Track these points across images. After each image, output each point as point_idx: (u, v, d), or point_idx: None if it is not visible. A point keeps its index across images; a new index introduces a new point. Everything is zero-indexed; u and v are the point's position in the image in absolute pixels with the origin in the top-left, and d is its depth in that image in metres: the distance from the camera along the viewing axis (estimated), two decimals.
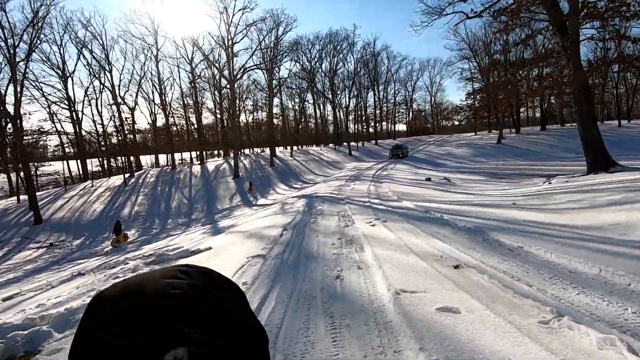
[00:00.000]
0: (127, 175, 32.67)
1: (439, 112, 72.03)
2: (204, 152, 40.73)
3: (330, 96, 47.85)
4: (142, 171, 35.75)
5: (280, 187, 28.46)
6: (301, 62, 47.67)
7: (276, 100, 39.46)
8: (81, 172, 35.50)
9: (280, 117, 48.97)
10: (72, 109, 34.36)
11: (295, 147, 46.47)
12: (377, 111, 58.52)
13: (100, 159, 39.17)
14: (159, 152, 48.95)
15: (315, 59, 47.49)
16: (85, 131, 36.73)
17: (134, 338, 0.31)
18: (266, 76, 36.46)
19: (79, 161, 36.53)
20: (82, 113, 36.28)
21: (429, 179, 17.78)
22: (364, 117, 52.15)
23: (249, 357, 0.36)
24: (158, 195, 26.75)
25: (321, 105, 60.01)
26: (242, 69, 29.58)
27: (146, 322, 0.32)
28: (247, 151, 51.88)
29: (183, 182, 29.58)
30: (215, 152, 55.48)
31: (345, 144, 46.31)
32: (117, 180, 31.14)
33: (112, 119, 34.81)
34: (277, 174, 32.26)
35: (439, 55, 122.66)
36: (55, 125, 35.63)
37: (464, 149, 39.76)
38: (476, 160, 32.92)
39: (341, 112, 52.69)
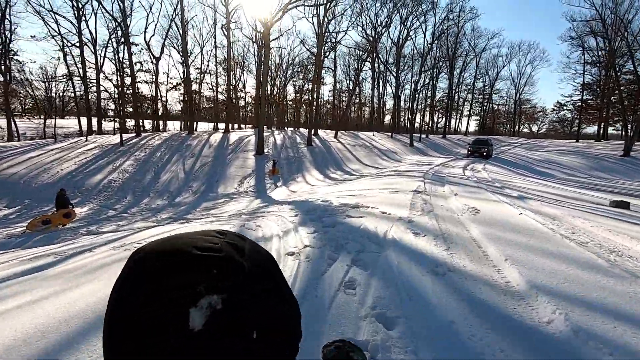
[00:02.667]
0: (132, 134, 27.02)
1: (523, 111, 59.57)
2: (236, 124, 34.57)
3: (395, 71, 38.84)
4: (148, 133, 30.04)
5: (313, 174, 20.84)
6: (363, 25, 39.05)
7: (329, 80, 31.42)
8: (87, 128, 30.57)
9: (332, 94, 41.24)
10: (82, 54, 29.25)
11: (342, 131, 38.41)
12: (446, 99, 48.29)
13: (115, 114, 34.28)
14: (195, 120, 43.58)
15: (382, 24, 38.55)
16: (94, 81, 31.67)
17: (172, 284, 0.32)
18: (315, 27, 28.55)
19: (81, 118, 31.72)
20: (102, 57, 31.18)
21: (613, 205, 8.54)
22: (432, 104, 42.29)
23: (280, 318, 0.37)
24: (152, 162, 20.37)
25: (380, 86, 51.14)
26: (281, 10, 21.89)
27: (183, 273, 0.33)
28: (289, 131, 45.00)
29: (191, 151, 23.04)
30: (250, 126, 49.20)
31: (404, 133, 37.50)
32: (117, 138, 25.47)
33: (120, 69, 29.02)
34: (313, 157, 24.63)
35: (536, 40, 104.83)
36: (69, 71, 30.85)
37: (571, 158, 29.34)
38: (594, 174, 22.79)
39: (402, 95, 43.68)
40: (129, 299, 0.33)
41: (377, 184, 10.21)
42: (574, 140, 41.13)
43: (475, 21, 48.33)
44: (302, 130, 36.21)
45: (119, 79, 30.18)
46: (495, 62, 51.86)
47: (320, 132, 35.72)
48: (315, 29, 29.15)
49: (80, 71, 30.41)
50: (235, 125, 46.11)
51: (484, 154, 24.61)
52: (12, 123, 28.49)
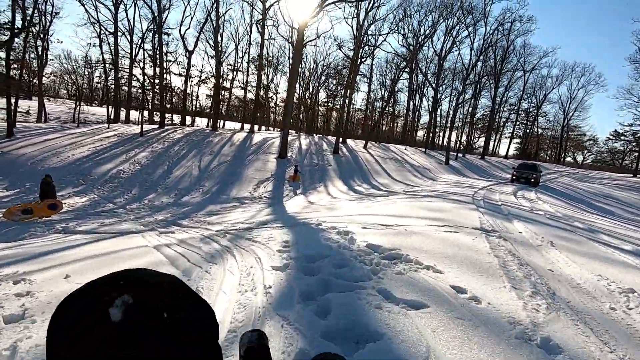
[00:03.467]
0: (156, 126, 26.33)
1: (570, 138, 55.12)
2: (264, 126, 33.44)
3: (434, 83, 36.52)
4: (171, 125, 29.31)
5: (337, 184, 19.00)
6: (404, 33, 37.12)
7: (363, 88, 29.75)
8: (113, 116, 30.33)
9: (365, 103, 39.45)
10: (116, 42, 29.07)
11: (372, 142, 36.34)
12: (488, 118, 45.09)
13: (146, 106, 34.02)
14: (219, 118, 43.02)
15: (425, 33, 36.46)
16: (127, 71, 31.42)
17: (89, 297, 0.43)
18: (354, 30, 26.94)
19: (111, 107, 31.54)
20: (137, 48, 31.02)
21: None
22: (471, 121, 39.42)
23: (186, 307, 0.46)
24: (167, 156, 19.25)
25: (417, 98, 48.80)
26: (318, 6, 20.43)
27: (98, 289, 0.43)
28: (316, 137, 43.52)
29: (211, 148, 21.83)
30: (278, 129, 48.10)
31: (439, 150, 34.96)
32: (139, 128, 24.75)
33: (153, 60, 28.51)
34: (339, 166, 22.80)
35: (591, 63, 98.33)
36: (103, 58, 30.88)
37: (630, 194, 25.78)
38: None
39: (439, 110, 41.14)
40: (64, 315, 0.42)
41: (417, 209, 8.17)
42: (631, 175, 36.95)
43: (527, 36, 44.97)
44: (330, 138, 34.53)
45: (145, 68, 29.80)
46: (544, 82, 48.17)
47: (349, 141, 33.89)
48: (353, 32, 27.60)
49: (113, 60, 30.34)
50: (263, 128, 45.30)
51: (532, 180, 21.81)
52: (43, 105, 28.63)
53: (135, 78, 31.85)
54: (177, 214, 10.96)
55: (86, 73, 38.76)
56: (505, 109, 49.20)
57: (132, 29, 30.75)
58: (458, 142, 53.58)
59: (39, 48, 28.07)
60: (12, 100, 19.88)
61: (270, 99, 51.44)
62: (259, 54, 28.93)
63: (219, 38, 26.52)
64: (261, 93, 36.24)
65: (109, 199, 13.22)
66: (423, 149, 37.05)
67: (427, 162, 29.60)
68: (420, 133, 61.15)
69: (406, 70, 40.53)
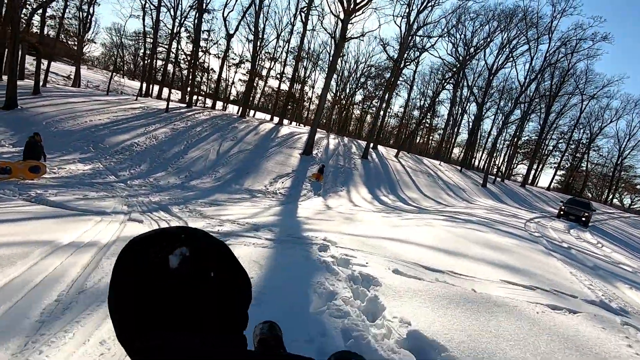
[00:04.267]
0: (183, 104, 25.66)
1: (621, 178, 50.36)
2: (294, 121, 32.22)
3: (480, 99, 34.00)
4: (201, 106, 28.57)
5: (360, 191, 17.36)
6: (455, 41, 34.82)
7: (402, 95, 27.92)
8: (145, 89, 30.04)
9: (402, 111, 37.46)
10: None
11: (404, 152, 34.24)
12: (535, 144, 41.71)
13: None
14: (249, 106, 42.26)
15: (477, 45, 33.97)
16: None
17: (157, 243, 0.51)
18: (402, 30, 25.15)
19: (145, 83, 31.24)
20: (179, 25, 30.64)
21: None
22: (515, 144, 36.39)
23: (231, 271, 0.54)
24: (187, 135, 18.30)
25: (458, 113, 46.11)
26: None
27: (164, 238, 0.51)
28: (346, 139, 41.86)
29: (234, 135, 20.74)
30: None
31: (475, 170, 32.41)
32: (170, 105, 24.11)
33: (194, 39, 27.82)
34: (366, 172, 21.12)
35: None
36: (145, 32, 30.71)
37: None
38: None
39: (480, 127, 38.45)
40: (131, 256, 0.50)
41: (466, 241, 6.42)
42: None
43: (593, 60, 41.21)
44: (360, 142, 32.82)
45: (182, 45, 29.28)
46: (601, 114, 44.11)
47: (381, 147, 32.04)
48: (401, 32, 25.78)
49: (153, 34, 30.09)
50: (294, 123, 44.23)
51: (583, 219, 19.15)
52: (79, 71, 28.75)
53: (174, 55, 31.51)
54: (176, 197, 9.72)
55: (130, 45, 38.97)
56: (553, 137, 45.56)
57: (176, 5, 30.39)
58: (496, 166, 50.35)
59: (83, 13, 28.24)
60: (44, 61, 19.52)
61: (305, 94, 50.41)
62: (298, 45, 27.72)
63: (259, 21, 25.45)
64: (295, 86, 35.11)
65: (114, 170, 12.25)
66: (458, 167, 34.57)
67: (462, 181, 27.28)
68: (456, 151, 58.18)
69: (451, 81, 38.16)
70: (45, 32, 25.53)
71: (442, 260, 4.98)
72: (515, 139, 33.45)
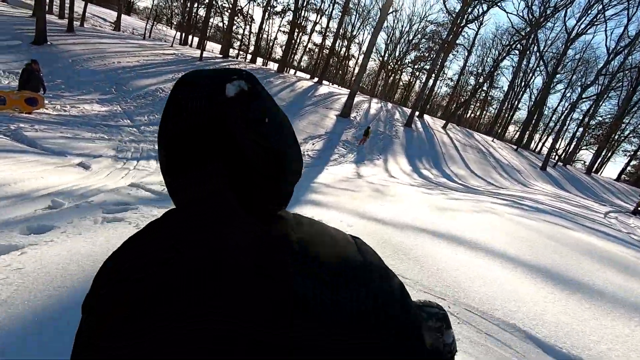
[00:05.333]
0: (220, 55, 24.38)
1: None
2: (336, 84, 29.93)
3: (550, 68, 29.50)
4: (237, 59, 27.11)
5: (399, 161, 15.52)
6: (528, 1, 29.89)
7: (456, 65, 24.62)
8: (183, 38, 28.96)
9: (456, 79, 33.69)
10: None
11: (453, 124, 31.02)
12: (599, 124, 36.26)
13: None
14: (287, 63, 40.19)
15: (556, 4, 28.85)
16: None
17: (214, 73, 0.46)
18: None
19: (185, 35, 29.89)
20: None
21: None
22: (586, 125, 31.72)
23: (284, 132, 0.48)
24: None
25: (520, 85, 41.07)
26: None
27: (225, 70, 0.47)
28: (389, 105, 38.84)
29: (268, 89, 18.96)
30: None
31: (533, 151, 28.75)
32: (206, 55, 22.91)
33: None
34: (408, 142, 19.02)
35: None
36: None
37: None
38: None
39: (545, 105, 33.82)
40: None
41: (564, 247, 4.28)
42: None
43: None
44: (405, 109, 30.11)
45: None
46: None
47: (427, 117, 29.22)
48: None
49: None
50: (335, 85, 41.84)
51: None
52: (120, 15, 28.20)
53: (213, 2, 29.91)
54: None
55: None
56: (631, 121, 39.43)
57: None
58: (555, 149, 45.26)
59: None
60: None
61: (351, 56, 47.24)
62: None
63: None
64: (340, 43, 32.49)
65: (130, 115, 11.34)
66: (514, 146, 30.97)
67: (517, 161, 24.20)
68: (511, 129, 52.86)
69: (517, 48, 33.41)
70: None
71: (568, 314, 2.78)
72: (587, 119, 28.99)
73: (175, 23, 50.71)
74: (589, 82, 27.74)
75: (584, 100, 29.27)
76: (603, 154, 40.83)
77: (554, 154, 33.46)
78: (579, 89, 37.14)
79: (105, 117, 10.12)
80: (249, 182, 0.44)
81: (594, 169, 36.91)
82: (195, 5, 29.75)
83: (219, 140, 0.42)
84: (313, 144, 14.29)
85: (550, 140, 45.04)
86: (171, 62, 18.57)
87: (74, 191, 3.33)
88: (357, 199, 4.97)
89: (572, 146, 33.00)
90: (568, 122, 28.45)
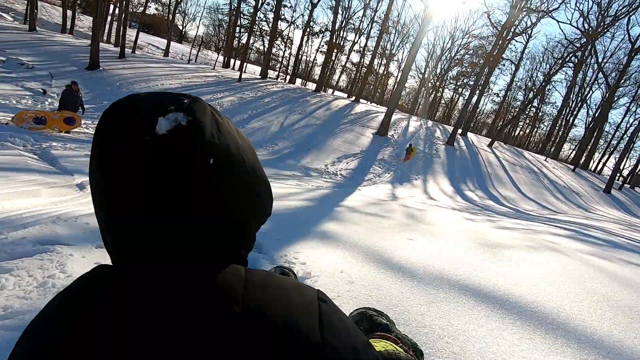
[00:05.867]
0: (259, 76, 24.98)
1: None
2: (374, 103, 29.47)
3: (611, 80, 26.93)
4: (275, 79, 27.58)
5: (440, 181, 14.55)
6: (583, 10, 27.83)
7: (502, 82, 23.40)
8: (224, 61, 30.21)
9: (503, 95, 31.77)
10: None
11: (500, 142, 29.02)
12: None
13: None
14: (324, 81, 40.51)
15: (616, 12, 26.54)
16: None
17: (150, 100, 0.38)
18: None
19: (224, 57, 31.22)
20: None
21: None
22: None
23: (241, 169, 0.40)
24: (253, 106, 17.33)
25: (576, 101, 37.99)
26: None
27: (161, 97, 0.39)
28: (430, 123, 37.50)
29: (303, 108, 19.22)
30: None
31: (593, 172, 25.88)
32: (245, 76, 23.58)
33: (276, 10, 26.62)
34: (449, 161, 17.91)
35: None
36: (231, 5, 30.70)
37: None
38: None
39: (606, 120, 30.66)
40: (116, 108, 0.38)
41: None
42: None
43: None
44: (447, 127, 28.80)
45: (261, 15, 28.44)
46: None
47: (471, 135, 27.66)
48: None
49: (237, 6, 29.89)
50: (373, 104, 41.39)
51: None
52: (169, 43, 30.12)
53: (254, 27, 31.08)
54: None
55: (224, 19, 39.97)
56: None
57: None
58: (622, 169, 41.00)
59: None
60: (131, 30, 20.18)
61: (390, 74, 46.77)
62: (385, 13, 24.68)
63: None
64: (379, 61, 32.11)
65: None
66: (571, 166, 28.27)
67: (575, 183, 21.88)
68: (566, 147, 48.74)
69: (572, 60, 31.01)
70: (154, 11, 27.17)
71: None
72: None
73: (220, 48, 53.77)
74: None
75: None
76: None
77: (619, 174, 30.08)
78: None
79: None
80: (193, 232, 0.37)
81: None
82: (238, 29, 31.09)
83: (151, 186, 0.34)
84: (347, 163, 13.76)
85: (613, 159, 40.89)
86: (211, 84, 19.19)
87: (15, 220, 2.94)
88: (383, 229, 4.19)
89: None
90: (635, 139, 25.43)
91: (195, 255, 0.37)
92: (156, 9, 43.12)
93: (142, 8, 33.17)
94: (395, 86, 19.58)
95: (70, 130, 7.94)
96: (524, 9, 21.14)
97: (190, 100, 0.38)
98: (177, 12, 38.22)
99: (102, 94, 13.74)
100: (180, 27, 50.68)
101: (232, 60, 31.00)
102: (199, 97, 0.40)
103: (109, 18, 29.22)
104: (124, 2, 18.23)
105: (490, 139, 26.45)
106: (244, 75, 24.18)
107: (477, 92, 23.00)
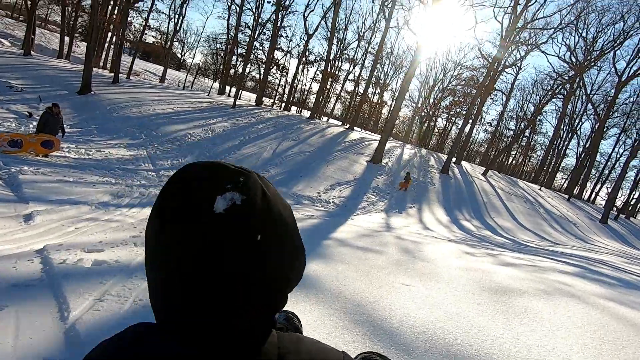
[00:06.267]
0: (253, 103, 25.08)
1: None
2: (369, 131, 29.68)
3: (600, 112, 27.50)
4: (270, 106, 27.71)
5: (436, 211, 14.23)
6: (571, 45, 28.84)
7: (493, 112, 23.83)
8: (219, 87, 30.46)
9: (495, 124, 32.21)
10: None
11: (495, 171, 29.03)
12: None
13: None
14: (319, 109, 40.86)
15: (602, 47, 27.51)
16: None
17: (208, 178, 0.40)
18: (505, 25, 21.08)
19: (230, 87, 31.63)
20: (262, 26, 30.69)
21: None
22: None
23: (283, 244, 0.42)
24: (246, 132, 17.16)
25: (566, 132, 38.66)
26: None
27: (219, 174, 0.40)
28: (424, 151, 37.61)
29: (297, 135, 19.10)
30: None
31: (586, 201, 25.82)
32: (240, 102, 23.60)
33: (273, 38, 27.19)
34: (444, 190, 17.67)
35: None
36: (228, 32, 31.38)
37: None
38: None
39: (598, 151, 31.04)
40: (173, 185, 0.41)
41: None
42: None
43: None
44: (441, 155, 28.87)
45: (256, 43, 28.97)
46: None
47: (465, 163, 27.67)
48: (502, 30, 21.59)
49: (234, 33, 30.51)
50: (367, 132, 41.72)
51: None
52: (166, 69, 30.40)
53: (254, 57, 31.63)
54: None
55: (221, 48, 40.73)
56: None
57: (260, 7, 30.40)
58: (612, 199, 41.19)
59: (175, 16, 29.86)
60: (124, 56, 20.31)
61: (384, 103, 47.50)
62: (379, 44, 25.27)
63: (337, 18, 23.69)
64: (374, 90, 32.65)
65: (154, 159, 11.23)
66: (565, 196, 28.21)
67: (571, 213, 21.67)
68: (559, 176, 49.10)
69: (561, 92, 31.78)
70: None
71: None
72: None
73: (217, 75, 54.61)
74: None
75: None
76: None
77: (618, 206, 30.06)
78: (636, 133, 34.15)
79: (127, 161, 9.99)
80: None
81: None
82: (235, 58, 31.62)
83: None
84: (340, 191, 13.41)
85: (605, 189, 41.15)
86: (205, 110, 19.09)
87: None
88: (374, 271, 3.67)
89: (636, 196, 29.55)
90: (627, 169, 25.58)
91: (235, 319, 0.39)
92: (153, 36, 44.05)
93: (140, 35, 33.70)
94: (390, 114, 19.65)
95: (48, 154, 7.54)
96: (514, 43, 21.73)
97: (244, 178, 0.40)
98: (175, 40, 39.05)
99: (90, 118, 13.47)
100: (179, 55, 51.70)
101: (227, 88, 31.21)
102: (250, 170, 0.42)
103: (106, 45, 29.57)
104: (120, 29, 18.37)
105: (484, 168, 26.46)
106: (238, 102, 24.24)
107: (470, 121, 23.19)
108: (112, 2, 22.23)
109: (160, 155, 11.86)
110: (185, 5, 30.13)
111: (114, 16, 21.18)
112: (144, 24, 24.43)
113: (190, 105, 19.02)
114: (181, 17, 30.44)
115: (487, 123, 43.48)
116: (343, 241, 4.78)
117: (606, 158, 39.36)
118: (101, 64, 27.20)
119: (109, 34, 28.72)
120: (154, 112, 16.00)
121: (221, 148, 14.27)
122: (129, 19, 26.47)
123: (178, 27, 30.51)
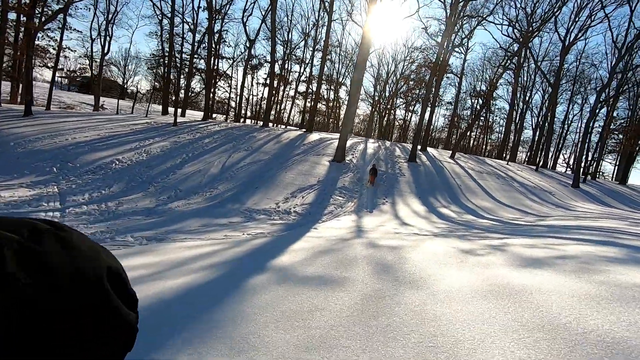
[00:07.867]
0: (199, 118, 23.03)
1: None
2: (329, 132, 28.33)
3: (552, 79, 27.80)
4: (219, 119, 25.78)
5: (411, 202, 12.94)
6: (512, 19, 29.17)
7: (450, 94, 23.33)
8: (162, 108, 28.06)
9: (453, 107, 32.07)
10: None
11: (461, 153, 28.54)
12: (617, 130, 33.58)
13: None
14: (269, 114, 39.24)
15: (542, 16, 27.93)
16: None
17: None
18: (446, 8, 20.58)
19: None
20: (198, 41, 28.63)
21: None
22: (607, 130, 29.05)
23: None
24: (190, 148, 15.17)
25: (520, 105, 39.45)
26: None
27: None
28: (387, 143, 36.76)
29: (249, 144, 17.30)
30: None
31: (551, 169, 25.90)
32: (182, 119, 21.41)
33: (210, 49, 25.28)
34: (415, 178, 16.51)
35: None
36: (162, 48, 29.14)
37: None
38: None
39: (554, 118, 31.59)
40: None
41: None
42: None
43: None
44: (406, 145, 28.05)
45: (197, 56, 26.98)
46: None
47: (431, 149, 26.99)
48: (445, 7, 21.13)
49: (168, 49, 28.28)
50: (325, 134, 40.47)
51: None
52: (99, 97, 27.68)
53: (196, 72, 29.49)
54: (116, 229, 6.09)
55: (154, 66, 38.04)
56: None
57: (196, 17, 28.43)
58: (567, 164, 42.60)
59: (103, 38, 27.24)
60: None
61: (342, 103, 46.58)
62: (324, 39, 24.10)
63: (275, 14, 22.26)
64: (327, 87, 31.49)
65: (67, 194, 9.11)
66: (532, 167, 28.20)
67: (544, 182, 21.29)
68: (521, 149, 50.20)
69: (510, 67, 32.13)
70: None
71: None
72: (608, 124, 26.49)
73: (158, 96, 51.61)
74: (596, 86, 25.73)
75: (601, 103, 26.87)
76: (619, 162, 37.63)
77: (582, 167, 30.50)
78: (588, 95, 35.17)
79: (19, 205, 7.84)
80: None
81: (621, 179, 33.54)
82: (174, 72, 29.30)
83: None
84: (303, 197, 11.79)
85: (561, 156, 42.33)
86: (139, 131, 16.88)
87: None
88: (327, 339, 2.09)
89: (597, 157, 30.15)
90: (590, 130, 25.87)
91: None
92: (81, 64, 40.57)
93: (56, 59, 30.62)
94: (348, 102, 18.37)
95: None
96: (459, 19, 21.28)
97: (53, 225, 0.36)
98: (110, 64, 36.01)
99: None
100: (121, 82, 48.20)
101: (170, 108, 28.81)
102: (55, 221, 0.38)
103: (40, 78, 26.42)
104: (25, 55, 15.84)
105: (450, 151, 25.85)
106: (182, 119, 22.09)
107: (429, 104, 22.44)
108: (21, 27, 19.49)
109: (76, 189, 9.71)
110: (110, 24, 27.64)
111: (19, 41, 18.49)
112: (57, 47, 21.70)
113: (121, 129, 16.74)
114: (108, 39, 27.88)
115: (448, 103, 43.65)
116: (288, 271, 3.08)
117: (560, 125, 40.56)
118: (18, 99, 24.06)
119: (43, 68, 25.77)
120: (74, 141, 13.67)
121: (157, 170, 12.23)
122: (45, 44, 23.68)
123: (106, 50, 27.87)
